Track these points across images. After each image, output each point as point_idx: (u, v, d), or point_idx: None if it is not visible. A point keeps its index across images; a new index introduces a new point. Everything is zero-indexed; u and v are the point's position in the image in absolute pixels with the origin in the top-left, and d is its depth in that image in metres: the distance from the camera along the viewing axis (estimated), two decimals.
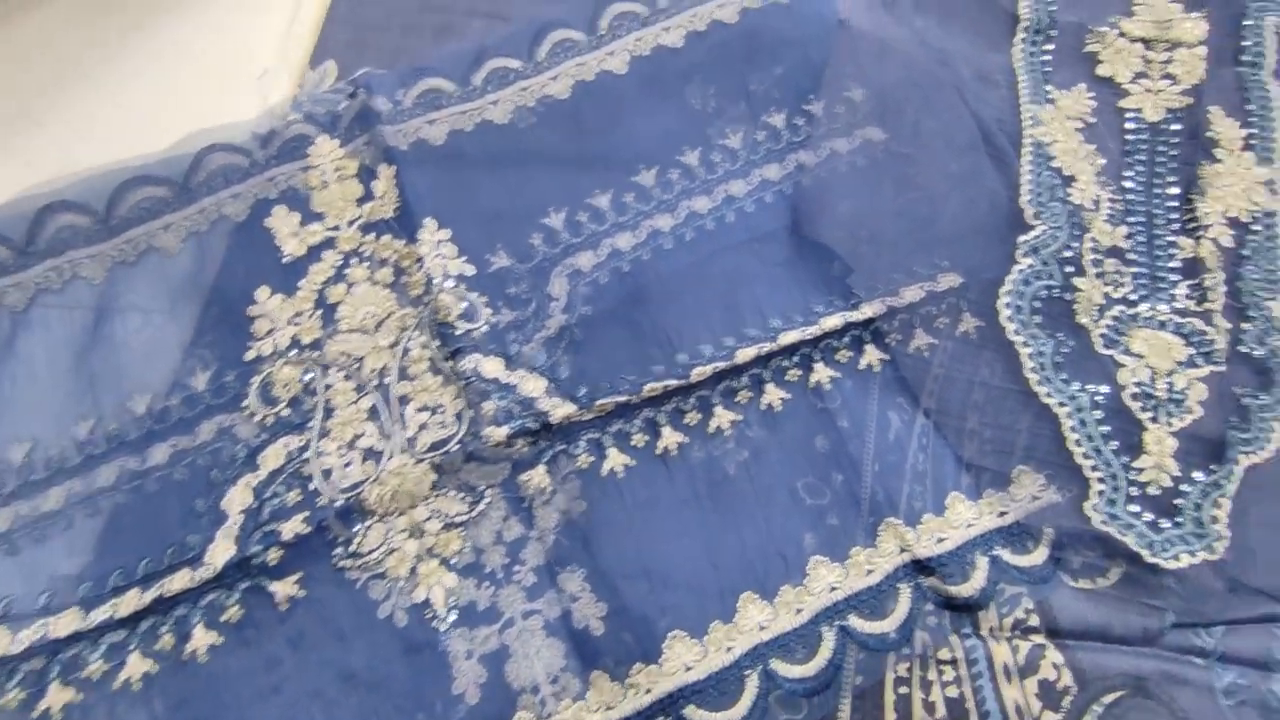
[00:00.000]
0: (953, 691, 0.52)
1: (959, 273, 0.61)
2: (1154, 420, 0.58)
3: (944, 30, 0.72)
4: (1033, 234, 0.62)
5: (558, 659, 0.49)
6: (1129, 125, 0.70)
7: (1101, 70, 0.72)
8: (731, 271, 0.59)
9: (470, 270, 0.58)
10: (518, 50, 0.69)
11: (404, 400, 0.54)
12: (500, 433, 0.51)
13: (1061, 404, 0.58)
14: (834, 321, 0.57)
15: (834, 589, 0.53)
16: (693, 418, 0.56)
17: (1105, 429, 0.58)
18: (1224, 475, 0.56)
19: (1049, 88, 0.71)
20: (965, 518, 0.55)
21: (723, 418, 0.56)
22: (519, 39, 0.69)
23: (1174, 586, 0.55)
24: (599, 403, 0.53)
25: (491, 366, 0.54)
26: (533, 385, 0.54)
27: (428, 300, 0.56)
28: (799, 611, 0.51)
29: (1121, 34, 0.72)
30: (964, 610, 0.54)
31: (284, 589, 0.48)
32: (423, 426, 0.53)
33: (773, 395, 0.57)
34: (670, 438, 0.55)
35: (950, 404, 0.59)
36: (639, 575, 0.51)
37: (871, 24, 0.71)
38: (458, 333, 0.55)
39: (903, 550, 0.53)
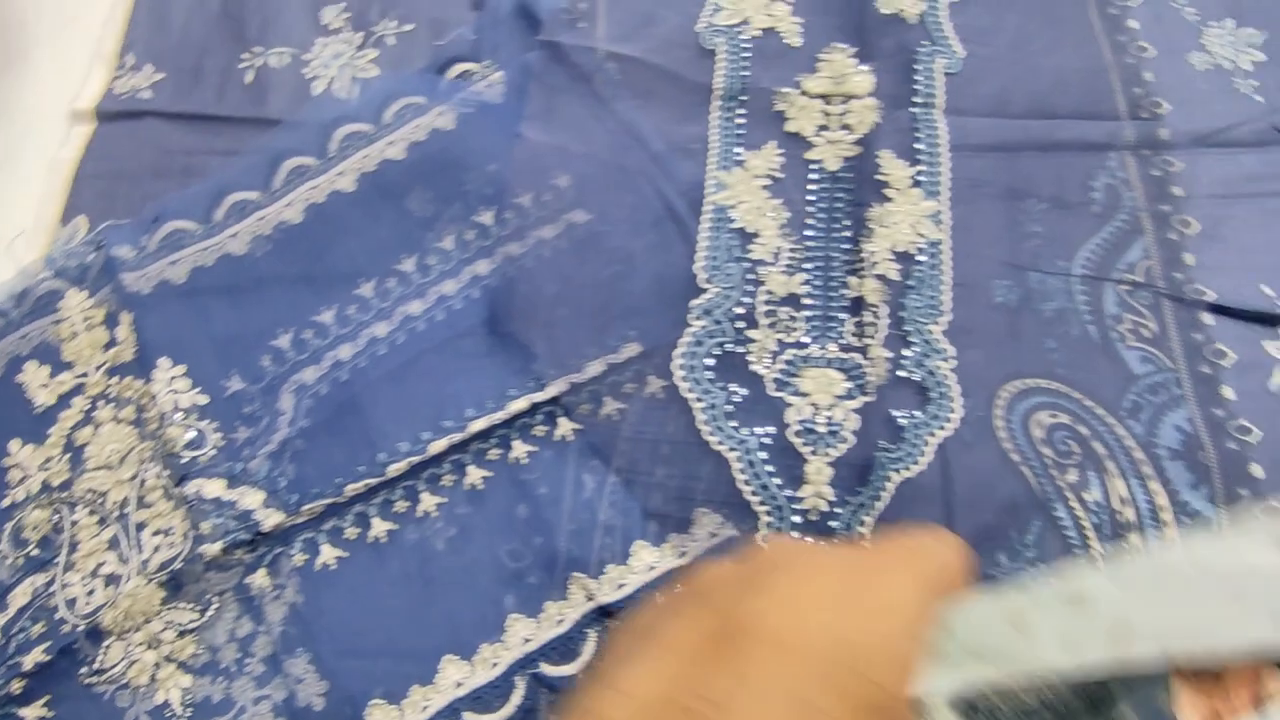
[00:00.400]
0: None
1: (642, 342, 0.69)
2: (814, 453, 0.67)
3: (643, 108, 0.81)
4: (704, 297, 0.71)
5: None
6: (812, 176, 0.79)
7: (789, 127, 0.81)
8: (435, 369, 0.68)
9: (204, 400, 0.67)
10: (255, 182, 0.78)
11: (140, 527, 0.63)
12: (214, 548, 0.60)
13: (731, 449, 0.67)
14: (520, 405, 0.66)
15: (528, 641, 0.62)
16: (401, 506, 0.65)
17: (770, 467, 0.66)
18: (870, 495, 0.64)
19: (739, 150, 0.79)
20: (647, 562, 0.63)
21: (429, 502, 0.65)
22: (256, 170, 0.78)
23: None
24: (306, 508, 0.62)
25: (212, 488, 0.63)
26: (252, 499, 0.62)
27: (159, 433, 0.64)
28: (495, 665, 0.60)
29: (803, 92, 0.80)
30: None
31: (32, 712, 0.57)
32: (156, 549, 0.61)
33: (474, 476, 0.66)
34: (380, 527, 0.64)
35: (639, 461, 0.68)
36: (353, 654, 0.60)
37: (568, 110, 0.78)
38: (184, 460, 0.64)
39: (589, 599, 0.61)
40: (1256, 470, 0.71)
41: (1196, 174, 0.83)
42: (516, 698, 0.61)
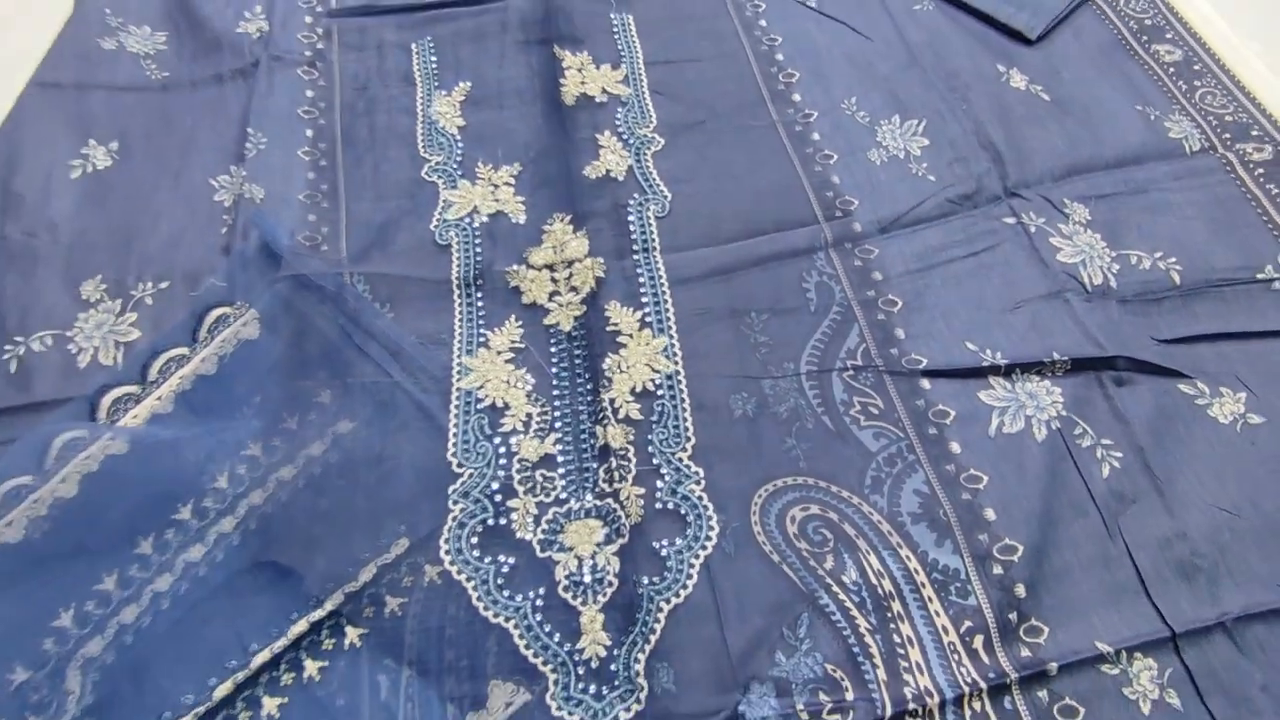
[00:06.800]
0: None
1: (410, 536, 0.73)
2: (584, 604, 0.71)
3: (392, 312, 0.87)
4: (460, 482, 0.76)
5: None
6: (551, 341, 0.86)
7: (525, 299, 0.88)
8: (216, 612, 0.72)
9: None
10: (28, 466, 0.81)
11: None
12: None
13: (508, 618, 0.71)
14: (301, 627, 0.69)
15: None
16: None
17: (547, 626, 0.70)
18: (642, 630, 0.69)
19: (484, 332, 0.86)
20: None
21: None
22: (28, 455, 0.81)
23: None
24: None
25: None
26: None
27: None
28: None
29: (530, 265, 0.89)
30: None
31: None
32: None
33: (269, 706, 0.69)
34: None
35: (427, 650, 0.72)
36: None
37: (318, 332, 0.85)
38: None
39: None
40: (989, 514, 0.79)
41: (891, 256, 0.95)
42: None
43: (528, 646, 0.72)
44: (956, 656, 0.72)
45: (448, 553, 0.75)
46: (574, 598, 0.74)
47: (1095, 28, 1.17)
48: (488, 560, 0.76)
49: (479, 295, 0.91)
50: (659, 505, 0.78)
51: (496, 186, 0.99)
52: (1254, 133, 1.04)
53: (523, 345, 0.88)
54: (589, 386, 0.85)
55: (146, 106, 1.09)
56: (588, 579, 0.74)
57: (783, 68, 1.12)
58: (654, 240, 0.94)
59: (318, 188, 1.00)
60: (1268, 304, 0.90)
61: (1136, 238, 0.94)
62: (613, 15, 1.18)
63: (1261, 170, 1.00)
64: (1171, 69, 1.12)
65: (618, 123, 1.04)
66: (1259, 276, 0.91)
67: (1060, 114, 1.05)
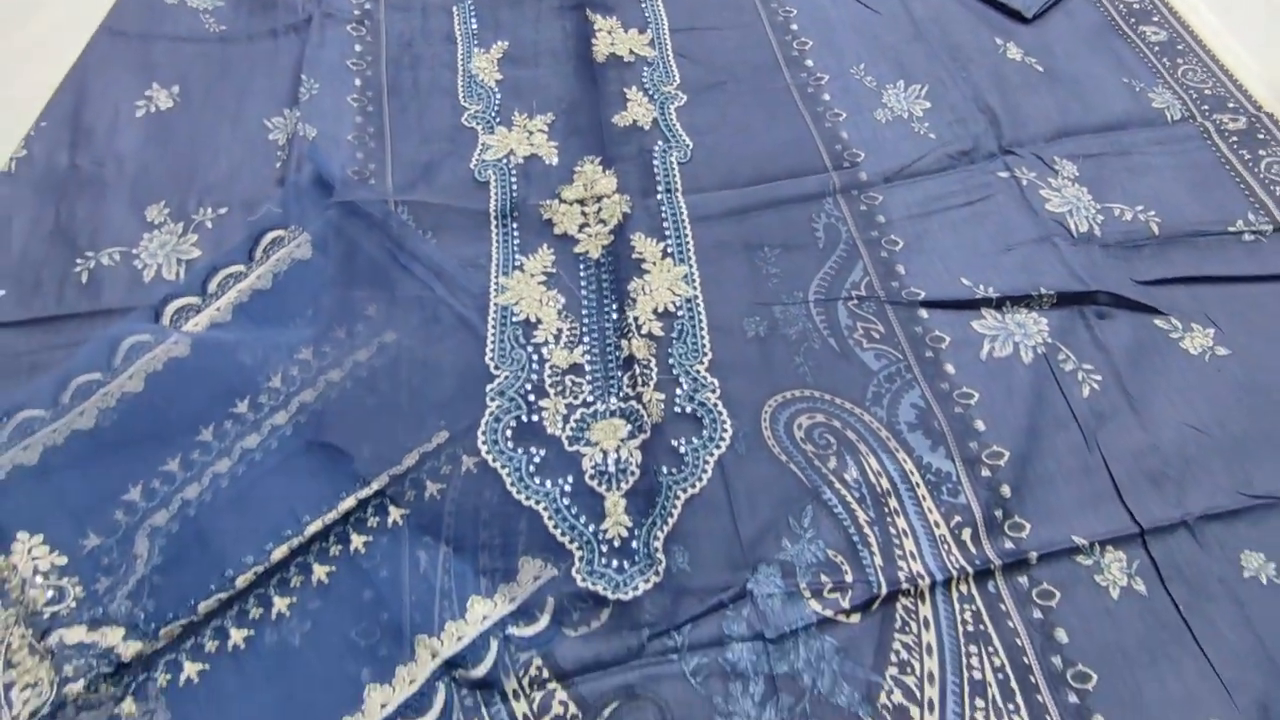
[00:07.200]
0: None
1: (450, 429, 0.81)
2: (609, 490, 0.78)
3: (435, 239, 0.95)
4: (497, 382, 0.83)
5: None
6: (581, 267, 0.93)
7: (557, 230, 0.96)
8: (272, 490, 0.80)
9: (63, 560, 0.76)
10: (98, 364, 0.88)
11: (9, 686, 0.69)
12: (76, 687, 0.68)
13: (538, 502, 0.78)
14: (350, 503, 0.77)
15: (384, 706, 0.70)
16: (256, 612, 0.74)
17: (575, 509, 0.77)
18: (660, 514, 0.76)
19: (519, 257, 0.93)
20: (481, 613, 0.74)
21: (281, 604, 0.74)
22: (97, 354, 0.89)
23: (647, 609, 0.73)
24: (164, 631, 0.71)
25: (73, 634, 0.71)
26: (112, 636, 0.71)
27: (21, 599, 0.72)
28: None
29: (562, 200, 0.96)
30: (487, 686, 0.70)
31: None
32: (25, 701, 0.68)
33: (320, 572, 0.76)
34: (237, 635, 0.73)
35: (464, 530, 0.79)
36: None
37: (368, 254, 0.92)
38: (45, 617, 0.71)
39: (434, 656, 0.71)
40: (979, 425, 0.86)
41: (894, 202, 1.03)
42: None
43: (556, 527, 0.79)
44: (946, 546, 0.79)
45: (484, 444, 0.83)
46: (599, 485, 0.81)
47: (1087, 10, 1.26)
48: (520, 451, 0.83)
49: (515, 226, 0.99)
50: (678, 409, 0.86)
51: (531, 133, 1.07)
52: (1230, 105, 1.12)
53: (554, 270, 0.95)
54: (615, 306, 0.92)
55: (206, 56, 1.18)
56: (612, 469, 0.82)
57: (796, 36, 1.20)
58: (676, 182, 1.02)
59: (365, 130, 1.09)
60: (1238, 253, 0.98)
61: (1120, 193, 1.03)
62: None
63: (1235, 138, 1.08)
64: (1156, 47, 1.20)
65: (644, 80, 1.13)
66: (1230, 229, 0.99)
67: (1052, 83, 1.14)
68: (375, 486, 0.80)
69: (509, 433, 0.84)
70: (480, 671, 0.73)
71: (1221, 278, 0.95)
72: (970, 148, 1.07)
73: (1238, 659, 0.74)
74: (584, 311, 0.93)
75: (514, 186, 1.02)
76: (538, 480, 0.81)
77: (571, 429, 0.84)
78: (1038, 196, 1.02)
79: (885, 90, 1.14)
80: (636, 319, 0.90)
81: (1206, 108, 1.12)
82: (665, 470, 0.81)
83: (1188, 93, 1.14)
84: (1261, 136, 1.09)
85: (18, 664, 0.72)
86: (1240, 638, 0.74)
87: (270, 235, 1.00)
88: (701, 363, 0.89)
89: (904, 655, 0.74)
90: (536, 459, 0.82)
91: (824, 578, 0.77)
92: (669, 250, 0.96)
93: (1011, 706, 0.72)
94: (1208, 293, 0.95)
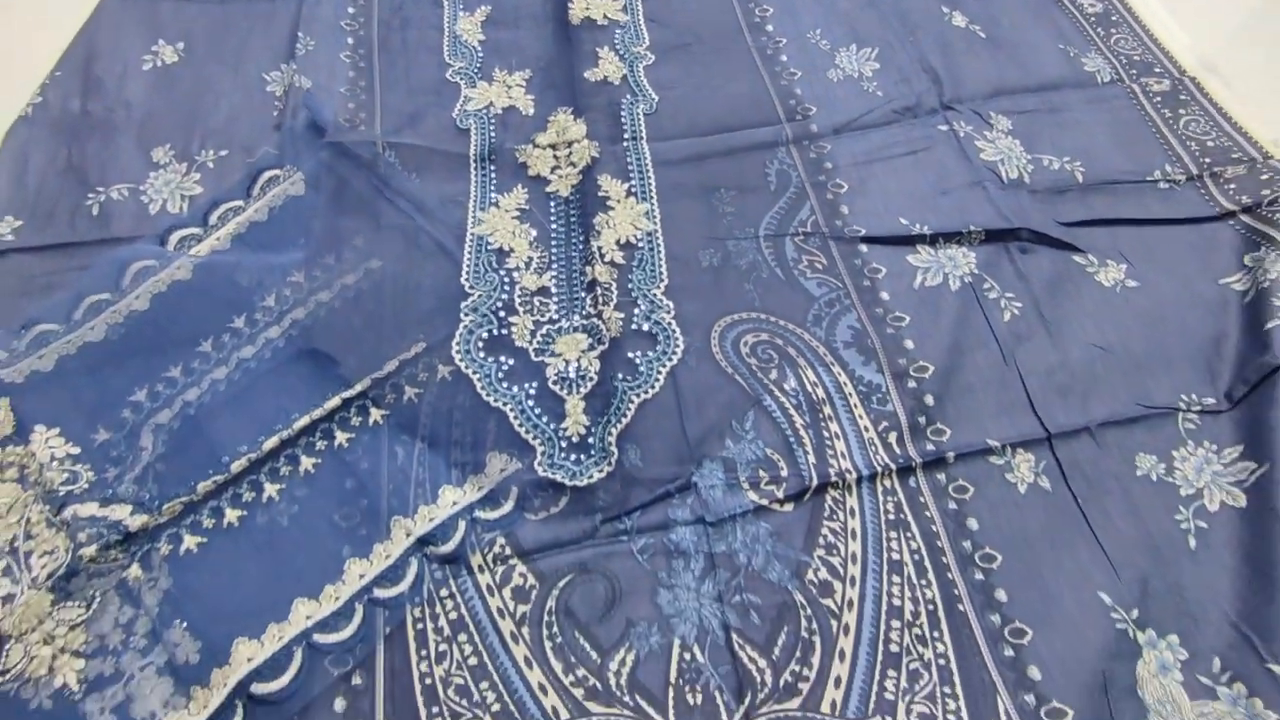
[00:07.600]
0: (454, 614, 0.77)
1: (428, 341, 0.89)
2: (569, 393, 0.86)
3: (418, 177, 1.03)
4: (470, 299, 0.92)
5: (168, 690, 0.72)
6: (551, 204, 1.02)
7: (531, 172, 1.05)
8: (265, 391, 0.88)
9: (77, 450, 0.84)
10: (107, 285, 0.96)
11: (29, 554, 0.77)
12: (89, 550, 0.76)
13: (505, 404, 0.86)
14: (334, 402, 0.86)
15: (362, 576, 0.78)
16: (249, 496, 0.82)
17: (538, 410, 0.85)
18: (613, 414, 0.84)
19: (494, 195, 1.02)
20: (451, 500, 0.82)
21: (271, 489, 0.82)
22: (107, 276, 0.97)
23: (601, 497, 0.81)
24: (167, 507, 0.79)
25: (87, 509, 0.80)
26: (121, 512, 0.79)
27: (39, 480, 0.80)
28: (337, 599, 0.76)
29: (536, 145, 1.05)
30: (455, 561, 0.78)
31: None
32: (44, 565, 0.76)
33: (307, 463, 0.84)
34: (231, 514, 0.81)
35: (438, 427, 0.87)
36: (220, 616, 0.75)
37: (356, 190, 1.01)
38: (61, 495, 0.80)
39: (408, 535, 0.79)
40: (908, 344, 0.95)
41: (840, 151, 1.11)
42: (357, 619, 0.77)
43: (521, 425, 0.87)
44: (874, 448, 0.87)
45: (458, 353, 0.91)
46: (561, 389, 0.89)
47: None
48: (490, 360, 0.91)
49: (492, 168, 1.08)
50: (635, 327, 0.94)
51: (510, 87, 1.16)
52: (1156, 70, 1.21)
53: (527, 207, 1.04)
54: (581, 238, 1.01)
55: (208, 16, 1.26)
56: (573, 376, 0.90)
57: (759, 3, 1.29)
58: (641, 130, 1.11)
59: (357, 84, 1.17)
60: (1152, 199, 1.06)
61: (1049, 145, 1.11)
62: None
63: (1159, 99, 1.17)
64: (1093, 18, 1.29)
65: (616, 41, 1.22)
66: (1148, 178, 1.08)
67: (993, 48, 1.23)
68: (358, 388, 0.89)
69: (480, 344, 0.92)
70: (449, 548, 0.81)
71: (1137, 220, 1.04)
72: (914, 104, 1.15)
73: (1126, 543, 0.82)
74: (553, 242, 1.01)
75: (492, 133, 1.11)
76: (505, 385, 0.90)
77: (538, 342, 0.93)
78: (973, 147, 1.10)
79: (838, 52, 1.23)
80: (600, 248, 0.99)
81: (1135, 72, 1.21)
82: (621, 377, 0.90)
83: (1118, 58, 1.23)
84: (1184, 98, 1.18)
85: (36, 535, 0.80)
86: (1129, 525, 0.83)
87: (267, 174, 1.09)
88: (659, 287, 0.97)
89: (831, 539, 0.83)
90: (505, 367, 0.91)
91: (762, 473, 0.85)
92: (633, 190, 1.05)
93: (924, 582, 0.80)
94: (1123, 233, 1.03)
